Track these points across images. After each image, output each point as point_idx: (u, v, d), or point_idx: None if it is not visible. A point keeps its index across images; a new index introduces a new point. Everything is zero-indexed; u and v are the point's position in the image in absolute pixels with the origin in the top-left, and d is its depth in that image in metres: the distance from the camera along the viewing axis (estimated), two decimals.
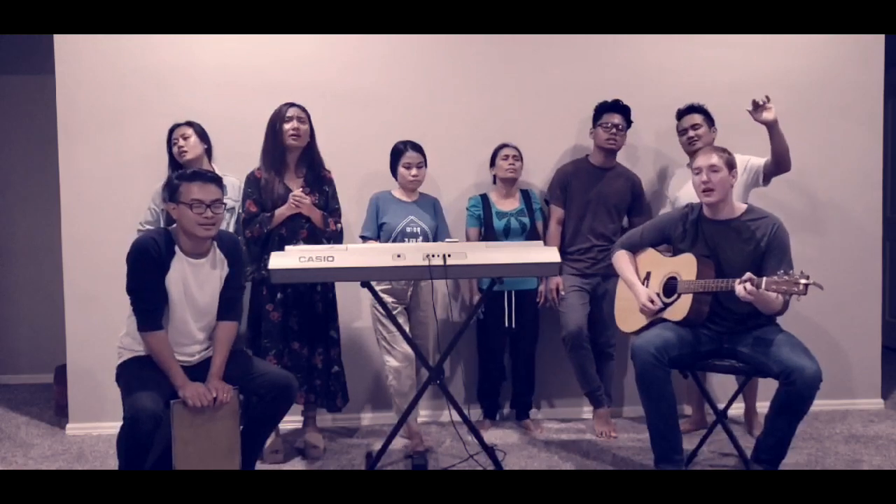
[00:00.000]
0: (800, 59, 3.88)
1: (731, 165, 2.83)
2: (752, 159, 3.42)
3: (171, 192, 2.63)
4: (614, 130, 3.55)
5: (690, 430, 3.54)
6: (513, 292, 3.55)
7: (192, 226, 2.57)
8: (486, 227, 3.58)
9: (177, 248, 2.61)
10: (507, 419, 3.81)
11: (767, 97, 3.16)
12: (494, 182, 3.67)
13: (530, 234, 3.59)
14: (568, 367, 3.70)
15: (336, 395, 3.32)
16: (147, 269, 2.55)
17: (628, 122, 3.60)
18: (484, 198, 3.64)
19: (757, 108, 3.18)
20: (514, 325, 3.57)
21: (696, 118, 3.48)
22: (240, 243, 2.90)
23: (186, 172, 2.70)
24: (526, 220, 3.59)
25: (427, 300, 3.36)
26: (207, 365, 2.67)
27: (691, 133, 3.47)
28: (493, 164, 3.65)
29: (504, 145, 3.63)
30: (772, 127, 3.20)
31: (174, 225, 2.67)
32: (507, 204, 3.62)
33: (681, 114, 3.54)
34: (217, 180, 2.67)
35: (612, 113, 3.57)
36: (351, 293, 3.62)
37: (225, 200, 3.30)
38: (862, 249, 3.95)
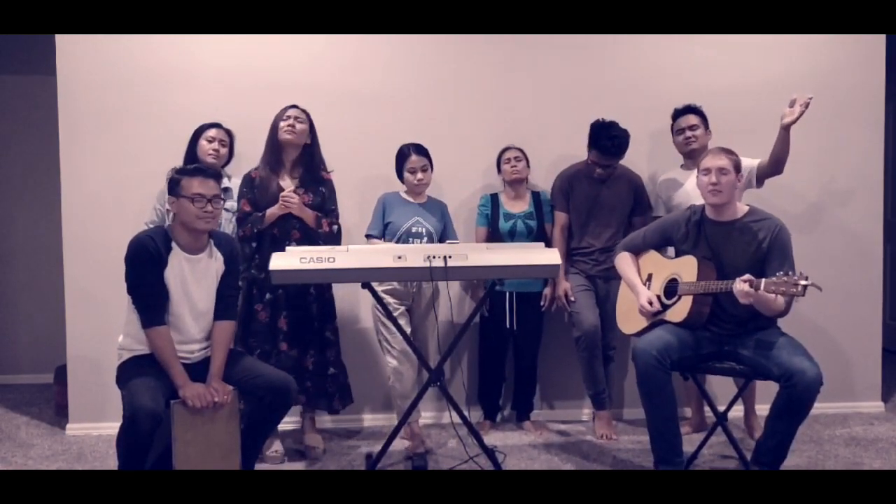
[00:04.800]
0: (800, 59, 3.88)
1: (738, 168, 2.85)
2: (743, 160, 3.38)
3: (171, 185, 2.68)
4: (600, 171, 3.51)
5: (690, 432, 3.53)
6: (514, 294, 3.55)
7: (193, 219, 2.61)
8: (493, 228, 3.58)
9: (174, 244, 2.64)
10: (508, 421, 3.81)
11: (810, 99, 3.12)
12: (504, 186, 3.67)
13: (537, 236, 3.57)
14: (567, 369, 3.69)
15: (333, 396, 3.30)
16: (146, 265, 2.58)
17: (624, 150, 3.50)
18: (494, 197, 3.63)
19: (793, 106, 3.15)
20: (515, 327, 3.57)
21: (693, 119, 3.47)
22: (236, 243, 2.91)
23: (188, 167, 2.76)
24: (533, 223, 3.57)
25: (429, 301, 3.35)
26: (207, 364, 2.68)
27: (689, 133, 3.46)
28: (499, 167, 3.65)
29: (507, 148, 3.63)
30: (785, 129, 3.18)
31: (170, 222, 2.71)
32: (515, 206, 3.61)
33: (677, 114, 3.52)
34: (217, 176, 2.73)
35: (607, 156, 3.45)
36: (352, 293, 3.61)
37: (230, 205, 3.32)
38: (862, 252, 3.95)
